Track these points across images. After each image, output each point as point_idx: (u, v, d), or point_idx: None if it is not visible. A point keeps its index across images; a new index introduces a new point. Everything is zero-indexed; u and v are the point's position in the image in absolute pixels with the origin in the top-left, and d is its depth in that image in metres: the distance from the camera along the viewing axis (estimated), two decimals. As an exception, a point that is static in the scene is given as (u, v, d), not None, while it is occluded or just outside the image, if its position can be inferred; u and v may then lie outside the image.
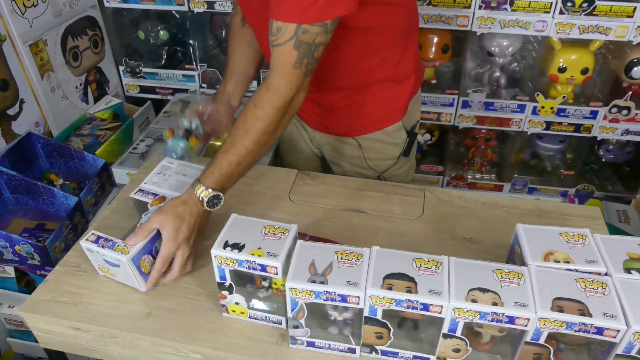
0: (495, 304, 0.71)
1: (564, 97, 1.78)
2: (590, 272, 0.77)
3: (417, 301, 0.72)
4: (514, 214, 1.12)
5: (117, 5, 1.84)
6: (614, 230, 1.75)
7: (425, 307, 0.72)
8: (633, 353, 0.71)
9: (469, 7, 1.64)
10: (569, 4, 1.57)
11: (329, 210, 1.14)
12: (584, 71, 1.70)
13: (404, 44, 1.11)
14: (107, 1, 1.83)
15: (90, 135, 1.63)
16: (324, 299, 0.75)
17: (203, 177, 0.95)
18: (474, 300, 0.71)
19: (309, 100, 0.99)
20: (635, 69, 1.70)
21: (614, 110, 1.78)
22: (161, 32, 1.92)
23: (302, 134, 1.35)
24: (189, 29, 1.93)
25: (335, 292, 0.73)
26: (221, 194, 0.95)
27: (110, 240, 0.91)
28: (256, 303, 0.87)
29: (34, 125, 1.57)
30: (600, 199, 2.03)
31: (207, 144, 1.36)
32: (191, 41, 1.93)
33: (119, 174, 1.57)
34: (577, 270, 0.77)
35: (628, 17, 1.57)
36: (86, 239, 0.91)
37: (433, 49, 1.78)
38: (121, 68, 1.99)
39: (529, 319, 0.70)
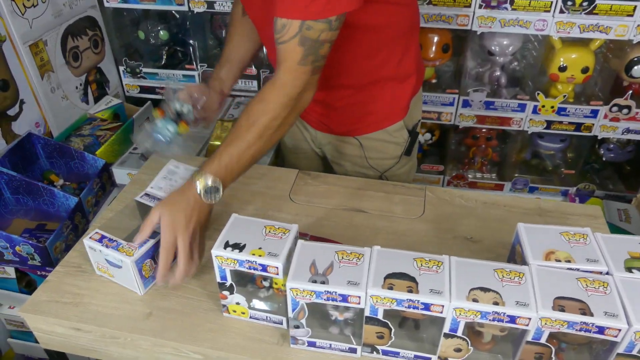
0: (496, 303, 0.70)
1: (564, 96, 1.78)
2: (591, 272, 0.77)
3: (418, 301, 0.72)
4: (515, 213, 1.12)
5: (117, 5, 1.84)
6: (615, 229, 1.75)
7: (427, 306, 0.72)
8: (634, 352, 0.70)
9: (469, 6, 1.64)
10: (569, 3, 1.57)
11: (329, 210, 1.13)
12: (585, 70, 1.70)
13: (406, 43, 1.11)
14: (107, 1, 1.83)
15: (90, 135, 1.63)
16: (324, 299, 0.74)
17: (202, 167, 0.93)
18: (475, 300, 0.71)
19: (312, 100, 1.00)
20: (635, 67, 1.70)
21: (615, 109, 1.78)
22: (161, 32, 1.92)
23: (304, 133, 1.35)
24: (189, 29, 1.93)
25: (336, 292, 0.73)
26: (219, 186, 0.92)
27: (115, 240, 0.91)
28: (257, 303, 0.87)
29: (34, 126, 1.57)
30: (601, 198, 2.02)
31: (201, 130, 1.31)
32: (191, 41, 1.93)
33: (120, 174, 1.57)
34: (578, 270, 0.77)
35: (628, 15, 1.57)
36: (90, 237, 0.91)
37: (433, 48, 1.78)
38: (121, 68, 1.98)
39: (530, 319, 0.70)
